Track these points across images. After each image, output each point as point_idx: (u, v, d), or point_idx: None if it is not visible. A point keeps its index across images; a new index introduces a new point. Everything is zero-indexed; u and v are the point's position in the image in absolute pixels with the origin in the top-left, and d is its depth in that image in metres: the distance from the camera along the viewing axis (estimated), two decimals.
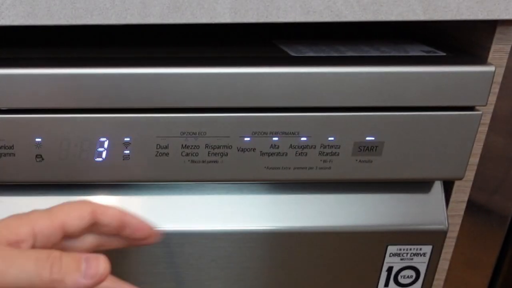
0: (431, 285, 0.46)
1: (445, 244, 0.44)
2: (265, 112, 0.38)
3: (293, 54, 0.40)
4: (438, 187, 0.43)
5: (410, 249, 0.44)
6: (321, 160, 0.40)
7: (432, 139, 0.39)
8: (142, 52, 0.42)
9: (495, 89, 0.40)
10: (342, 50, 0.41)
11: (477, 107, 0.39)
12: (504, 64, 0.40)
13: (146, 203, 0.42)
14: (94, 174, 0.39)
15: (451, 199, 0.44)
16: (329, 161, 0.40)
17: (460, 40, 0.43)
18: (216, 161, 0.39)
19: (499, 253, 0.51)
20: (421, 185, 0.43)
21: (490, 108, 0.41)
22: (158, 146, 0.39)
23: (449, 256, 0.47)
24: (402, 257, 0.44)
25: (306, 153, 0.39)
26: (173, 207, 0.42)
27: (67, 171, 0.39)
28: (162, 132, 0.38)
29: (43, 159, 0.39)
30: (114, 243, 0.34)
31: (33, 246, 0.29)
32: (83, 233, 0.32)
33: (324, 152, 0.39)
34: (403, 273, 0.45)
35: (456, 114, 0.39)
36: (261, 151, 0.39)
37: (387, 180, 0.41)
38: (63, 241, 0.31)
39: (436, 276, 0.47)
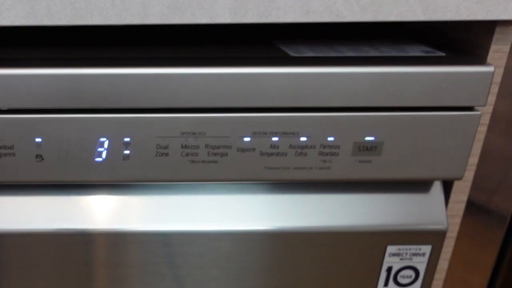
0: (431, 285, 0.46)
1: (444, 244, 0.44)
2: (265, 112, 0.38)
3: (293, 54, 0.40)
4: (437, 187, 0.43)
5: (410, 249, 0.44)
6: (320, 160, 0.40)
7: (431, 139, 0.39)
8: (142, 52, 0.42)
9: (494, 89, 0.40)
10: (342, 50, 0.41)
11: (476, 107, 0.39)
12: (503, 65, 0.40)
13: (146, 203, 0.42)
14: (94, 174, 0.39)
15: (451, 199, 0.44)
16: (329, 161, 0.40)
17: (459, 41, 0.43)
18: (216, 161, 0.39)
19: (499, 253, 0.51)
20: (421, 185, 0.43)
21: (489, 108, 0.41)
22: (158, 146, 0.39)
23: (448, 256, 0.47)
24: (401, 257, 0.44)
25: (306, 153, 0.39)
26: (173, 207, 0.42)
27: (67, 171, 0.39)
28: (162, 132, 0.38)
29: (43, 159, 0.39)
30: None
31: None
32: None
33: (323, 152, 0.39)
34: (402, 273, 0.45)
35: (455, 114, 0.39)
36: (261, 151, 0.39)
37: (387, 180, 0.41)
38: None
39: (436, 276, 0.47)
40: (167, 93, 0.37)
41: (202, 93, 0.37)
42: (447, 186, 0.44)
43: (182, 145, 0.39)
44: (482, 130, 0.42)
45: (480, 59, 0.39)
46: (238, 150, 0.39)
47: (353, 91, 0.37)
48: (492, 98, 0.40)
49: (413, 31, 0.50)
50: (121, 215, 0.42)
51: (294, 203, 0.43)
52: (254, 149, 0.39)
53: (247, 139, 0.39)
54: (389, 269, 0.45)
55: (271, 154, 0.39)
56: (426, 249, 0.44)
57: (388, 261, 0.44)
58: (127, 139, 0.38)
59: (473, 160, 0.43)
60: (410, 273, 0.45)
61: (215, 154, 0.39)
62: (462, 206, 0.45)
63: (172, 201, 0.42)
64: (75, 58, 0.39)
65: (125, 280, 0.44)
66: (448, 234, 0.45)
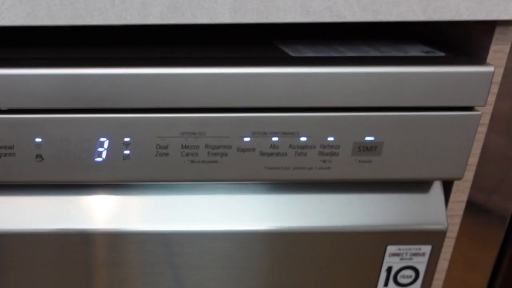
0: (431, 285, 0.46)
1: (444, 244, 0.44)
2: (265, 112, 0.38)
3: (293, 54, 0.40)
4: (437, 187, 0.43)
5: (410, 249, 0.44)
6: (320, 160, 0.40)
7: (431, 139, 0.39)
8: (142, 52, 0.42)
9: (494, 89, 0.40)
10: (342, 50, 0.41)
11: (476, 107, 0.39)
12: (503, 65, 0.40)
13: (146, 203, 0.42)
14: (94, 174, 0.39)
15: (451, 199, 0.44)
16: (329, 161, 0.40)
17: (459, 41, 0.44)
18: (216, 161, 0.39)
19: (499, 253, 0.51)
20: (421, 185, 0.43)
21: (489, 108, 0.41)
22: (158, 146, 0.39)
23: (448, 256, 0.47)
24: (401, 257, 0.44)
25: (306, 153, 0.39)
26: (173, 207, 0.42)
27: (67, 171, 0.39)
28: (162, 132, 0.38)
29: (43, 159, 0.39)
30: None
31: None
32: None
33: (323, 152, 0.39)
34: (402, 273, 0.45)
35: (455, 114, 0.39)
36: (260, 151, 0.39)
37: (387, 180, 0.41)
38: None
39: (436, 276, 0.47)
40: (167, 93, 0.37)
41: (202, 93, 0.37)
42: (447, 186, 0.44)
43: (182, 145, 0.39)
44: (482, 130, 0.42)
45: (480, 59, 0.39)
46: (238, 150, 0.39)
47: (353, 91, 0.37)
48: (492, 98, 0.40)
49: (413, 31, 0.50)
50: (121, 215, 0.42)
51: (294, 203, 0.43)
52: (254, 149, 0.39)
53: (247, 139, 0.39)
54: (389, 269, 0.45)
55: (271, 154, 0.39)
56: (426, 249, 0.44)
57: (388, 261, 0.44)
58: (127, 139, 0.38)
59: (473, 160, 0.43)
60: (410, 273, 0.45)
61: (215, 154, 0.39)
62: (462, 206, 0.45)
63: (172, 201, 0.42)
64: (75, 58, 0.39)
65: (125, 280, 0.44)
66: (448, 234, 0.45)
